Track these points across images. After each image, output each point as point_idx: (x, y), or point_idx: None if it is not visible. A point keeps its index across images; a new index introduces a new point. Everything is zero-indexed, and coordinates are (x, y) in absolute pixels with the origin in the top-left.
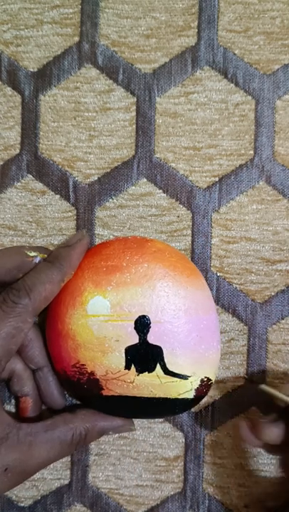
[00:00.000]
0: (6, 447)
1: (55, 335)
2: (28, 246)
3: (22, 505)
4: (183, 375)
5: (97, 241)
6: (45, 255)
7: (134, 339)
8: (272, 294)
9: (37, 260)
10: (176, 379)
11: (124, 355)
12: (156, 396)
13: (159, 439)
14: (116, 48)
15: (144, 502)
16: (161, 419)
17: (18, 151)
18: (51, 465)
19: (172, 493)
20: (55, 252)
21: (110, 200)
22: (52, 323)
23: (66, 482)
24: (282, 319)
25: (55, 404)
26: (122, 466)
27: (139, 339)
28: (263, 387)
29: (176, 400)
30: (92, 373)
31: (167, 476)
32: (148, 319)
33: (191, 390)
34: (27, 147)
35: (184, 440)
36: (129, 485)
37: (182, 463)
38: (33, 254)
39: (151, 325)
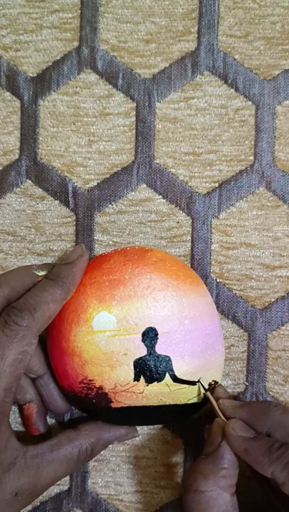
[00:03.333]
0: (15, 472)
1: (60, 353)
2: (36, 265)
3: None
4: (192, 382)
5: (97, 247)
6: None
7: (142, 351)
8: (272, 300)
9: None
10: (185, 385)
11: (132, 367)
12: (166, 403)
13: (158, 445)
14: (115, 53)
15: (143, 508)
16: (160, 425)
17: (17, 156)
18: None
19: (171, 499)
20: (57, 270)
21: (110, 205)
22: (55, 342)
23: (65, 488)
24: (283, 325)
25: (59, 409)
26: (122, 472)
27: (148, 351)
28: (208, 394)
29: (185, 405)
30: (100, 388)
31: (167, 482)
32: (155, 331)
33: (199, 394)
34: (26, 152)
35: (183, 446)
36: (128, 491)
37: (182, 469)
38: (41, 273)
39: (158, 336)
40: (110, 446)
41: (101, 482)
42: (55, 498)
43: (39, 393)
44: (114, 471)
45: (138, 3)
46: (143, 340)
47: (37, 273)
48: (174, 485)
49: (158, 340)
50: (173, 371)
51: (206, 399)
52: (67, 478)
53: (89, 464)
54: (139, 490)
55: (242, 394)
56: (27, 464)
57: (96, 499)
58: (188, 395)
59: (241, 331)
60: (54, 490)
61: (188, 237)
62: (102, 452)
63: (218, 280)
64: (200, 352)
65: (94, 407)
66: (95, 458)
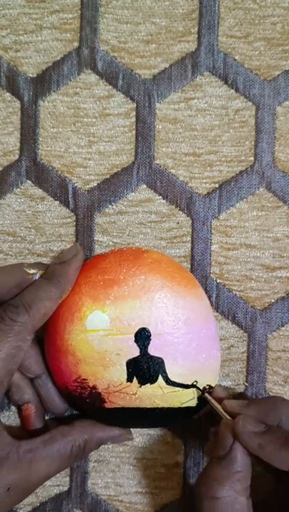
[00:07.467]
0: (7, 467)
1: (55, 351)
2: (27, 263)
3: (21, 511)
4: (185, 385)
5: (96, 247)
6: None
7: (134, 352)
8: (272, 300)
9: (36, 277)
10: (178, 389)
11: (125, 368)
12: (159, 406)
13: (158, 446)
14: (116, 54)
15: (143, 509)
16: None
17: (17, 156)
18: None
19: (172, 499)
20: (52, 269)
21: (110, 206)
22: (50, 340)
23: (65, 489)
24: (282, 326)
25: (57, 409)
26: (122, 473)
27: (140, 352)
28: (207, 396)
29: (179, 409)
30: (94, 387)
31: (167, 483)
32: (148, 331)
33: (193, 398)
34: (26, 153)
35: (183, 447)
36: (128, 492)
37: (182, 470)
38: (32, 271)
39: (151, 337)
40: (110, 446)
41: (101, 483)
42: (55, 499)
43: (37, 393)
44: (114, 471)
45: (138, 3)
46: (136, 341)
47: (28, 270)
48: (174, 486)
49: (151, 342)
50: (166, 373)
51: (201, 403)
52: (67, 478)
53: (89, 464)
54: (139, 491)
55: (242, 394)
56: (20, 459)
57: (96, 500)
58: (181, 399)
59: (241, 331)
60: (54, 490)
61: (188, 238)
62: (101, 453)
63: (218, 281)
64: (194, 355)
65: (88, 407)
66: (95, 458)
